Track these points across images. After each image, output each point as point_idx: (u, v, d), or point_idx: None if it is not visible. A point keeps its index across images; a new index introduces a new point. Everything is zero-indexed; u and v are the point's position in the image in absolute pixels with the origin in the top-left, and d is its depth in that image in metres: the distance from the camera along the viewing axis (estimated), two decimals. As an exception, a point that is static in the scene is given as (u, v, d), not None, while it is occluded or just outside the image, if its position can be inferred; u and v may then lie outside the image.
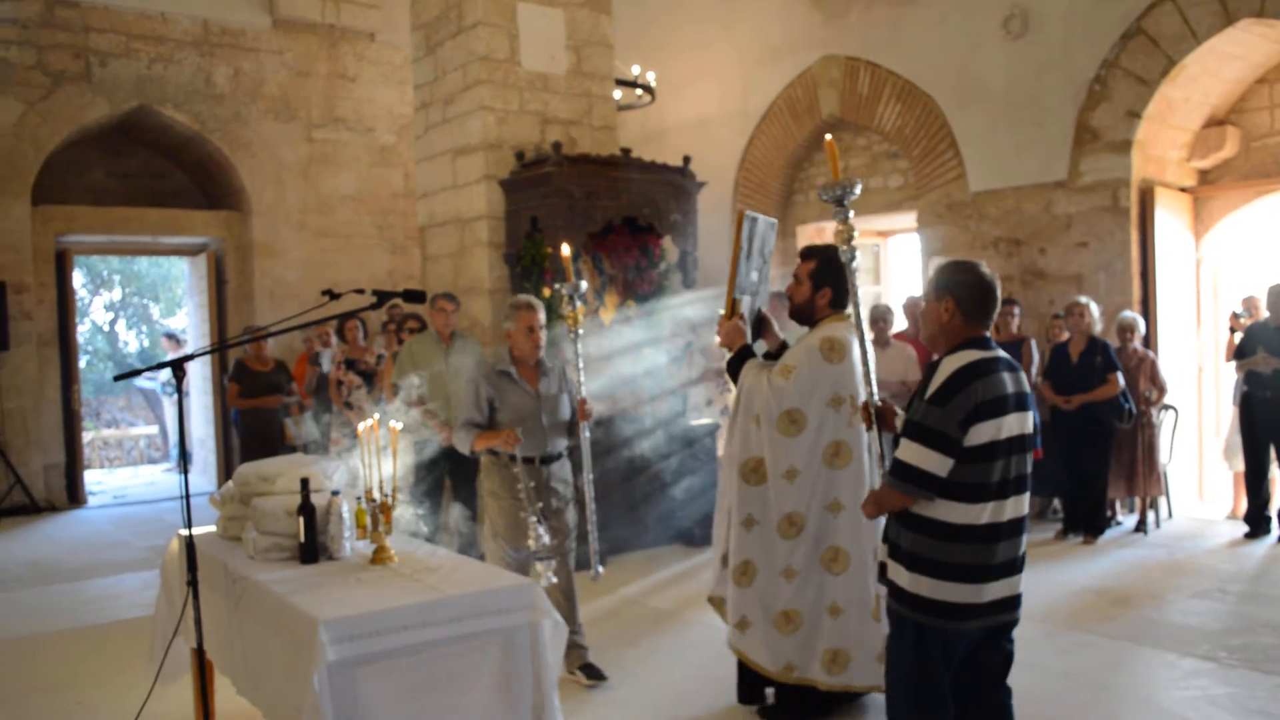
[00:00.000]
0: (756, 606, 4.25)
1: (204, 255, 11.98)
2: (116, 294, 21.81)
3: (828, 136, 3.52)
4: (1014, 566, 3.03)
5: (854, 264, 3.31)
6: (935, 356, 3.13)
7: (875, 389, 3.37)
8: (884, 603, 3.34)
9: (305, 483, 3.58)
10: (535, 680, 3.10)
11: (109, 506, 10.96)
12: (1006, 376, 2.97)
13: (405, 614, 2.97)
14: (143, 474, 13.89)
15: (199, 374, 12.27)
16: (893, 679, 3.17)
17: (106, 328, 21.96)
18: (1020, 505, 3.02)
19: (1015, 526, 3.01)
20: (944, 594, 2.96)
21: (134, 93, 10.81)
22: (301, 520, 3.54)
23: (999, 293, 3.13)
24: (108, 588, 7.28)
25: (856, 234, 3.28)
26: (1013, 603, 3.05)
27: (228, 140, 11.32)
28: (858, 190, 3.24)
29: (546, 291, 7.49)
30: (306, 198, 11.79)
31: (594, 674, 4.81)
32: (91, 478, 12.33)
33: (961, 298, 3.05)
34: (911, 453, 2.91)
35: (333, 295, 3.59)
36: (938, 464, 2.88)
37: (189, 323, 13.50)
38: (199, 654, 3.88)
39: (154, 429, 17.31)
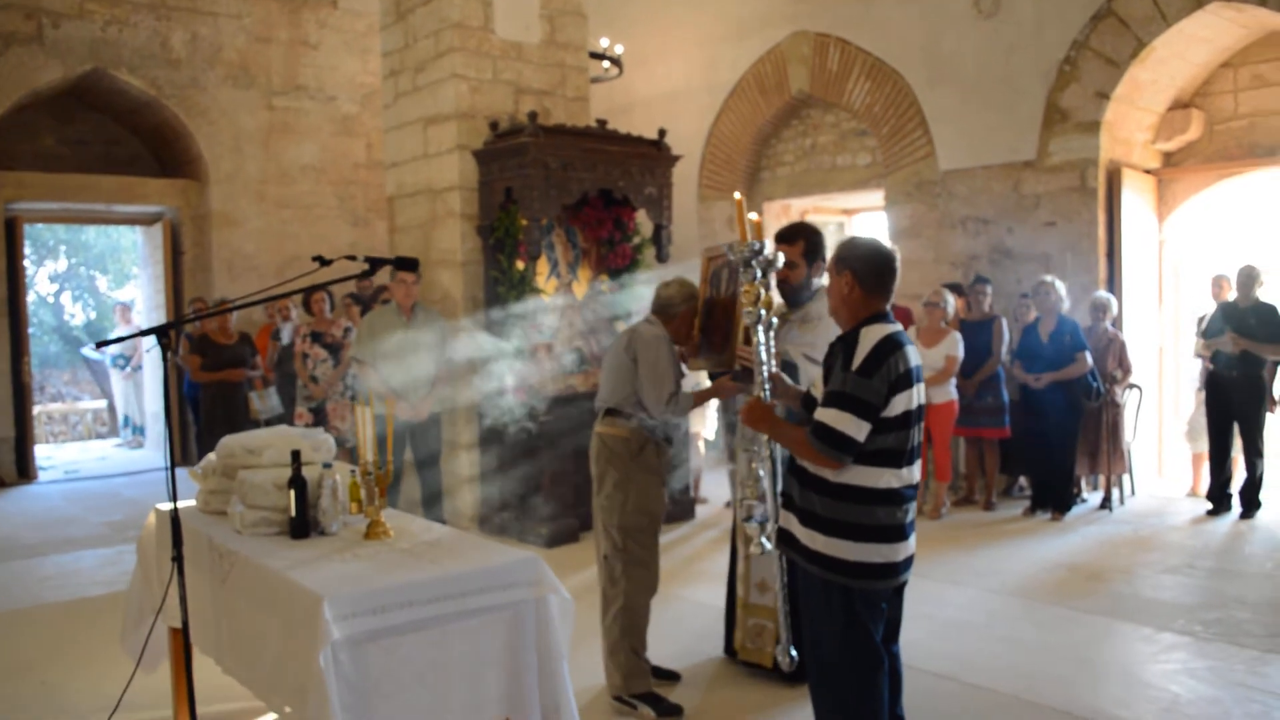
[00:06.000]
0: None
1: (159, 224, 11.67)
2: (62, 264, 21.23)
3: (736, 195, 3.52)
4: (913, 527, 3.20)
5: (759, 324, 3.34)
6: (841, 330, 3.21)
7: (772, 363, 3.40)
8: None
9: (297, 455, 3.47)
10: (542, 656, 3.03)
11: (60, 481, 10.69)
12: (910, 350, 3.10)
13: (409, 589, 2.88)
14: (92, 449, 13.57)
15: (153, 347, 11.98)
16: (824, 645, 3.17)
17: (51, 299, 21.38)
18: (917, 471, 3.18)
19: (915, 490, 3.18)
20: (866, 555, 3.07)
21: (87, 56, 10.46)
22: (293, 493, 3.44)
23: (897, 266, 3.21)
24: (66, 564, 7.09)
25: (762, 294, 3.32)
26: (911, 561, 3.22)
27: (185, 106, 11.01)
28: (768, 250, 3.31)
29: (520, 265, 7.38)
30: (266, 167, 11.52)
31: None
32: (40, 453, 12.02)
33: (860, 272, 3.14)
34: (837, 418, 2.99)
35: (324, 261, 3.48)
36: (860, 430, 2.99)
37: (142, 294, 13.17)
38: (183, 633, 3.77)
39: (102, 403, 16.93)
